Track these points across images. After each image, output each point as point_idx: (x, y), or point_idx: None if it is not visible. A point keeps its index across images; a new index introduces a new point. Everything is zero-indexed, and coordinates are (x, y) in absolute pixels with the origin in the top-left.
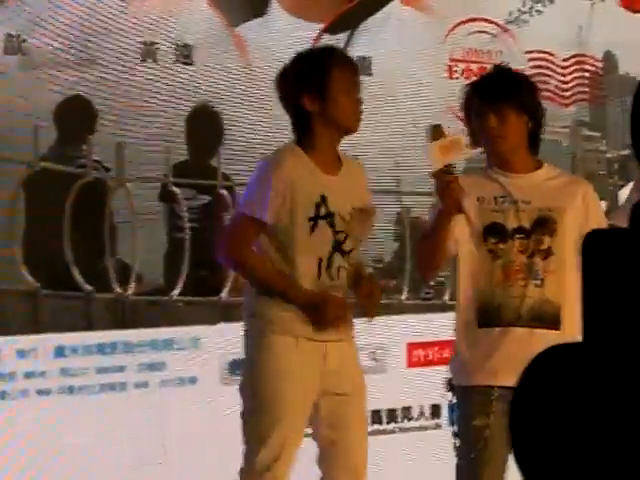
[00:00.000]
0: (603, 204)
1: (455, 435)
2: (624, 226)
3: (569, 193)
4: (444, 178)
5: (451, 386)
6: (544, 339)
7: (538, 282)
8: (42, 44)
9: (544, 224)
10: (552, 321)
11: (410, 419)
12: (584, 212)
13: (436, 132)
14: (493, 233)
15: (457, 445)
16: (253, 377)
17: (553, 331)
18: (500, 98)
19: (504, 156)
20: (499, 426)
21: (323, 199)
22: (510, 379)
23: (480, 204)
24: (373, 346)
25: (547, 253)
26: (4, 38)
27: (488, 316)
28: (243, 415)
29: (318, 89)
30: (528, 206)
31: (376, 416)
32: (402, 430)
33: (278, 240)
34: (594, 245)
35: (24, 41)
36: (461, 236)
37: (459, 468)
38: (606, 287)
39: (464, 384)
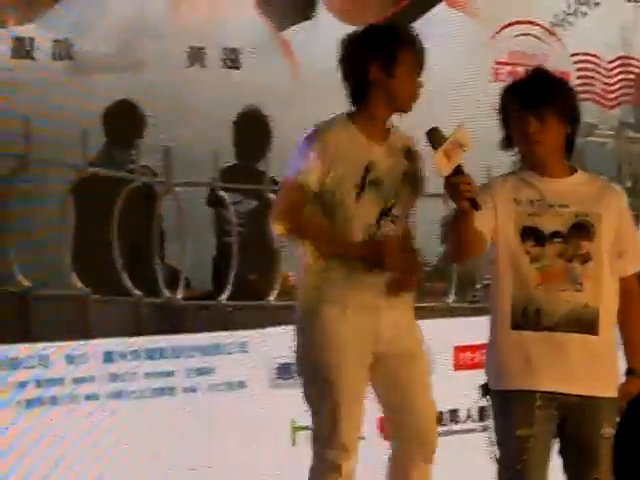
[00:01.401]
0: None
1: (494, 443)
2: None
3: (603, 199)
4: (454, 181)
5: (486, 390)
6: (583, 344)
7: (578, 287)
8: (90, 49)
9: (581, 229)
10: (590, 326)
11: (457, 422)
12: (617, 218)
13: (436, 135)
14: (530, 236)
15: (497, 455)
16: (305, 348)
17: (591, 336)
18: (542, 103)
19: (541, 160)
20: (542, 435)
21: (370, 166)
22: (552, 384)
23: (517, 206)
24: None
25: (585, 258)
26: (52, 43)
27: (526, 319)
28: (305, 386)
29: (387, 62)
30: (565, 210)
31: None
32: (449, 433)
33: (326, 207)
34: None
35: (72, 46)
36: (497, 237)
37: (501, 478)
38: None
39: (503, 388)
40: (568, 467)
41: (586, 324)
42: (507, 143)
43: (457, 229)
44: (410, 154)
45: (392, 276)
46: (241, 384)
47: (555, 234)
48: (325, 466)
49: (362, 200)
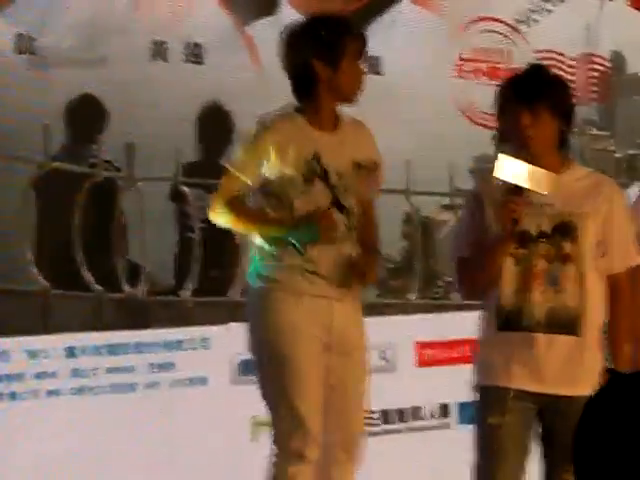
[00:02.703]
0: None
1: (475, 433)
2: None
3: (594, 195)
4: (509, 197)
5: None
6: (562, 345)
7: (558, 288)
8: (52, 43)
9: (565, 230)
10: (571, 327)
11: (419, 418)
12: (608, 215)
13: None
14: (515, 237)
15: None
16: (260, 336)
17: (571, 337)
18: (536, 98)
19: (534, 157)
20: (514, 425)
21: (317, 156)
22: (524, 383)
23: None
24: (382, 345)
25: (567, 259)
26: (14, 37)
27: (508, 320)
28: (260, 378)
29: (331, 57)
30: (551, 209)
31: (385, 415)
32: (411, 430)
33: (274, 199)
34: None
35: (34, 40)
36: (485, 238)
37: (476, 465)
38: None
39: (481, 383)
40: (544, 457)
41: (566, 325)
42: (502, 137)
43: (488, 258)
44: (362, 142)
45: (349, 268)
46: (203, 380)
47: (540, 235)
48: (288, 455)
49: (310, 190)
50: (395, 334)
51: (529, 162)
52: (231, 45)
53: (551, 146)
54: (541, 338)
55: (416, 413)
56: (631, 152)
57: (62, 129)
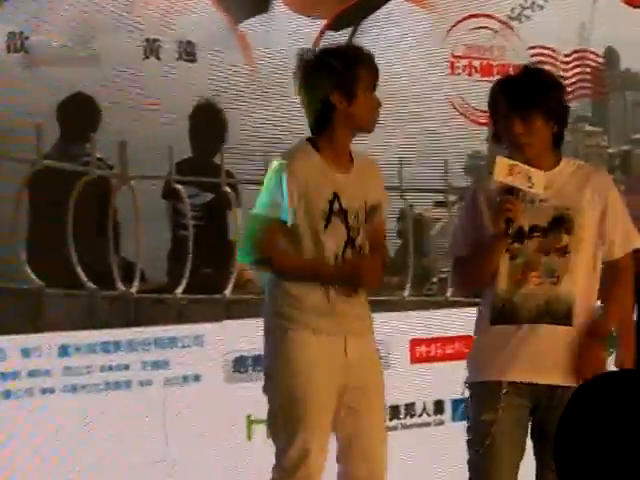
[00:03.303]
0: None
1: (467, 430)
2: None
3: (588, 187)
4: (504, 197)
5: (467, 383)
6: (554, 334)
7: (554, 279)
8: (44, 41)
9: (561, 222)
10: (564, 317)
11: (413, 415)
12: (603, 204)
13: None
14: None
15: (468, 440)
16: (275, 374)
17: (565, 327)
18: (528, 105)
19: (528, 161)
20: (508, 421)
21: (335, 196)
22: (519, 375)
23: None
24: (376, 342)
25: (564, 250)
26: (6, 36)
27: (504, 314)
28: (269, 414)
29: (347, 87)
30: (545, 205)
31: None
32: (405, 427)
33: (294, 239)
34: None
35: (26, 38)
36: (482, 237)
37: (470, 463)
38: None
39: (475, 380)
40: (536, 452)
41: (560, 315)
42: (497, 138)
43: (485, 257)
44: (373, 183)
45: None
46: (196, 377)
47: (534, 228)
48: None
49: (328, 231)
50: (389, 331)
51: (524, 163)
52: (224, 43)
53: (545, 148)
54: (536, 329)
55: (410, 410)
56: (624, 148)
57: (55, 127)
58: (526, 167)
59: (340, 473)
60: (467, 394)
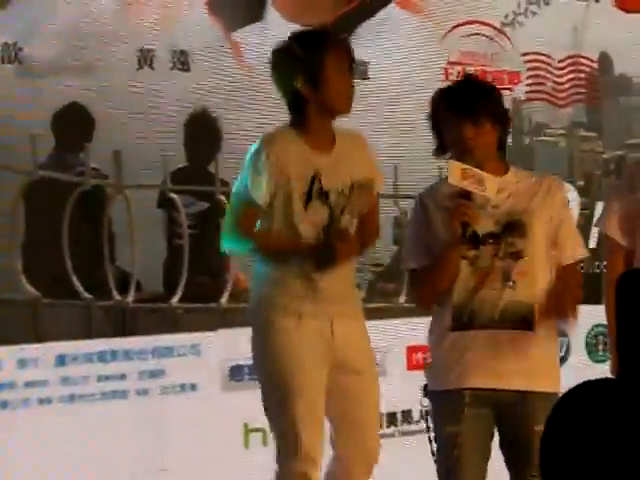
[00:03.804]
0: (600, 205)
1: (432, 441)
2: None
3: (539, 193)
4: (459, 201)
5: (426, 392)
6: (516, 340)
7: (510, 284)
8: (38, 52)
9: (514, 227)
10: (524, 322)
11: (410, 422)
12: (554, 210)
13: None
14: (464, 240)
15: (434, 451)
16: (263, 361)
17: (525, 332)
18: (477, 108)
19: (478, 165)
20: (472, 432)
21: (316, 178)
22: (482, 381)
23: (449, 213)
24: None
25: (519, 255)
26: (0, 47)
27: (462, 321)
28: (262, 400)
29: (313, 75)
30: (497, 211)
31: None
32: (402, 433)
33: (274, 219)
34: (628, 284)
35: (20, 49)
36: (435, 246)
37: (439, 473)
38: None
39: (437, 388)
40: (508, 463)
41: (520, 320)
42: (442, 150)
43: (442, 265)
44: (359, 160)
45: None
46: (193, 386)
47: (488, 235)
48: (292, 477)
49: (309, 210)
50: (385, 338)
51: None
52: (218, 52)
53: (492, 153)
54: (496, 334)
55: (407, 417)
56: (619, 153)
57: (50, 138)
58: (478, 171)
59: (333, 457)
60: (425, 402)
